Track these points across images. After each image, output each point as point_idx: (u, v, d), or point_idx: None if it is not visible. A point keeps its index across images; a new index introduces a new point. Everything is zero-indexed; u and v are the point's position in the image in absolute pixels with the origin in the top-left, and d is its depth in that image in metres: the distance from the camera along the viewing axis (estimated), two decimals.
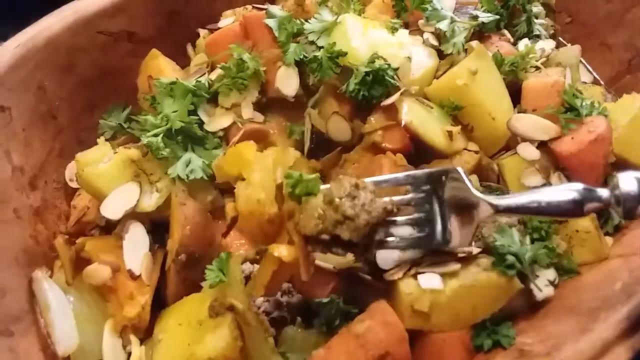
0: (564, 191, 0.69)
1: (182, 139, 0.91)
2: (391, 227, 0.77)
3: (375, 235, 0.75)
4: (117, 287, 0.81)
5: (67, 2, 0.97)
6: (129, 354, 0.81)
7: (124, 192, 0.85)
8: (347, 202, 0.71)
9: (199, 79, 0.95)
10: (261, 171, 0.83)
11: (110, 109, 1.04)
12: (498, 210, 0.73)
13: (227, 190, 0.93)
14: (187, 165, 0.88)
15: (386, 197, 0.75)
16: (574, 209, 0.68)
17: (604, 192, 0.67)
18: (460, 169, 0.76)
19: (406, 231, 0.78)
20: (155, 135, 0.87)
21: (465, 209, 0.75)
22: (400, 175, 0.80)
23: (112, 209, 0.84)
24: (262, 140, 0.93)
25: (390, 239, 0.77)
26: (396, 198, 0.77)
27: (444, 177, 0.77)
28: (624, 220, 0.95)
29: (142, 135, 0.88)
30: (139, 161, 0.87)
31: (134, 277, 0.82)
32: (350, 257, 0.77)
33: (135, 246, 0.84)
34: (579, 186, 0.68)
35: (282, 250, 0.75)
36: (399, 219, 0.77)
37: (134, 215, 0.86)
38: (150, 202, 0.86)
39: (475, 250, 0.84)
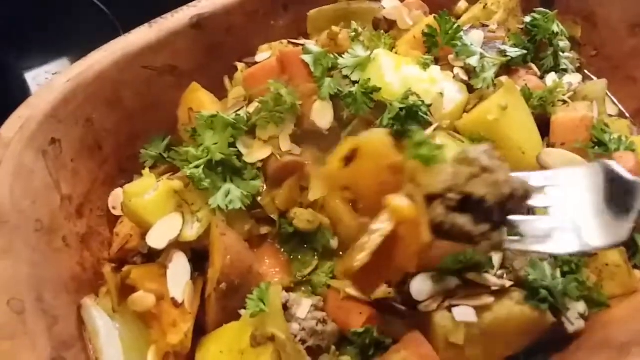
0: None
1: (222, 170, 0.94)
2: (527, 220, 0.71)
3: (510, 214, 0.68)
4: (160, 314, 0.83)
5: None
6: None
7: (168, 222, 0.88)
8: (485, 156, 0.67)
9: (238, 112, 0.98)
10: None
11: (151, 139, 1.08)
12: None
13: (263, 219, 0.96)
14: (226, 196, 0.91)
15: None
16: None
17: None
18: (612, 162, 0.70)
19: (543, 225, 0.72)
20: (197, 167, 0.91)
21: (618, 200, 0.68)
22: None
23: (157, 239, 0.87)
24: (298, 171, 0.96)
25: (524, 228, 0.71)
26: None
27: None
28: None
29: (185, 167, 0.91)
30: (181, 192, 0.90)
31: (177, 305, 0.84)
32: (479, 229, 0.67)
33: (178, 275, 0.87)
34: None
35: (402, 201, 0.66)
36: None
37: (176, 244, 0.89)
38: (192, 231, 0.89)
39: (508, 283, 0.86)
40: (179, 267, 0.88)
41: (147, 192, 0.89)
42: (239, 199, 0.92)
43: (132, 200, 0.88)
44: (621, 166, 0.70)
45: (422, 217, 0.67)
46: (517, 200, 0.68)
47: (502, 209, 0.67)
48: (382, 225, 0.67)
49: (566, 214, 0.72)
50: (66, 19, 1.60)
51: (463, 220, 0.67)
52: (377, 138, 0.73)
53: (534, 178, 0.74)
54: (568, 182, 0.73)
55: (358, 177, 0.73)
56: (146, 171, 0.94)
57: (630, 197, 0.67)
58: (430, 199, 0.68)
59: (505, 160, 0.69)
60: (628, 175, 0.69)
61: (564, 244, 0.71)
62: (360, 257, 0.66)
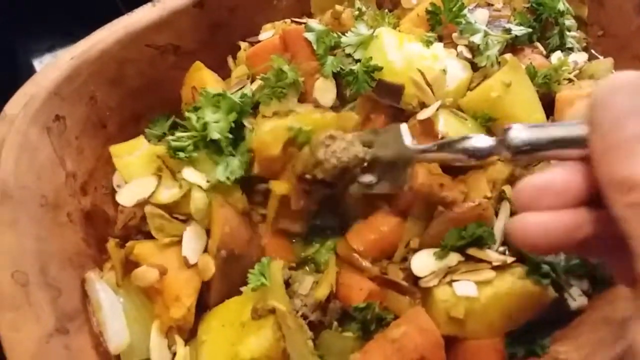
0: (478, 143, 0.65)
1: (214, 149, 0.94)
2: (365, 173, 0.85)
3: (348, 177, 0.84)
4: (163, 289, 0.84)
5: None
6: (174, 354, 0.85)
7: (141, 183, 0.90)
8: (321, 149, 0.83)
9: (244, 92, 0.98)
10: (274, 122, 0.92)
11: (155, 119, 1.09)
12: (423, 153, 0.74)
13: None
14: (226, 168, 0.91)
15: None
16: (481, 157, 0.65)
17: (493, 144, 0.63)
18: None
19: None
20: (179, 138, 0.91)
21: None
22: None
23: (126, 197, 0.89)
24: None
25: (361, 180, 0.85)
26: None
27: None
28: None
29: (174, 134, 0.92)
30: (164, 157, 0.91)
31: (188, 265, 0.86)
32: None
33: (194, 240, 0.89)
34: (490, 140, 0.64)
35: (278, 185, 0.90)
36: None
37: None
38: (166, 195, 0.90)
39: (509, 259, 0.86)
40: (196, 234, 0.89)
41: (132, 153, 0.92)
42: (238, 168, 0.92)
43: (115, 158, 0.91)
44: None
45: (292, 188, 0.89)
46: (353, 166, 0.83)
47: (339, 175, 0.84)
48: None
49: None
50: (72, 4, 1.61)
51: (316, 188, 0.87)
52: (258, 138, 0.91)
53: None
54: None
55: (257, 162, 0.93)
56: (140, 137, 0.97)
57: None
58: (298, 177, 0.87)
59: (348, 139, 0.84)
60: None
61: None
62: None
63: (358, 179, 0.85)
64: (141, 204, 0.90)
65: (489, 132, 0.97)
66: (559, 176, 0.50)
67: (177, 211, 0.92)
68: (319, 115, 0.93)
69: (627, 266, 0.45)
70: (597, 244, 0.49)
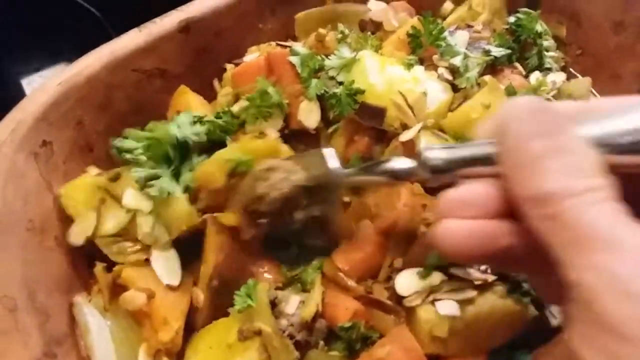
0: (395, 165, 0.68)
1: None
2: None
3: (292, 205, 0.83)
4: (151, 312, 0.85)
5: None
6: None
7: (84, 219, 0.90)
8: (261, 183, 0.83)
9: (231, 109, 1.00)
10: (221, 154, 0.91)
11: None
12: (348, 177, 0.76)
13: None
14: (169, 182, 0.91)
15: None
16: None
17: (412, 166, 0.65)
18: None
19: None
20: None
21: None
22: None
23: (75, 238, 0.91)
24: None
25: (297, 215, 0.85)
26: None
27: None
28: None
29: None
30: (106, 185, 0.92)
31: (173, 289, 0.88)
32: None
33: (166, 263, 0.90)
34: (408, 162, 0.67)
35: (227, 218, 0.89)
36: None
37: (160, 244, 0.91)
38: (113, 224, 0.90)
39: (490, 277, 0.87)
40: (166, 258, 0.90)
41: (80, 189, 0.92)
42: (165, 189, 0.89)
43: (65, 199, 0.92)
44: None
45: (240, 218, 0.87)
46: (293, 196, 0.83)
47: (284, 204, 0.83)
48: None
49: None
50: (60, 25, 1.62)
51: (264, 219, 0.85)
52: (203, 169, 0.91)
53: None
54: None
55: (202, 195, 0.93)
56: (92, 167, 0.97)
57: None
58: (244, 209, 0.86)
59: (286, 168, 0.83)
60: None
61: None
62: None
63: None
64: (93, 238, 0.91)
65: None
66: (477, 189, 0.52)
67: (129, 237, 0.92)
68: (259, 142, 0.95)
69: (551, 281, 0.47)
70: (519, 257, 0.51)
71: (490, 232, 0.50)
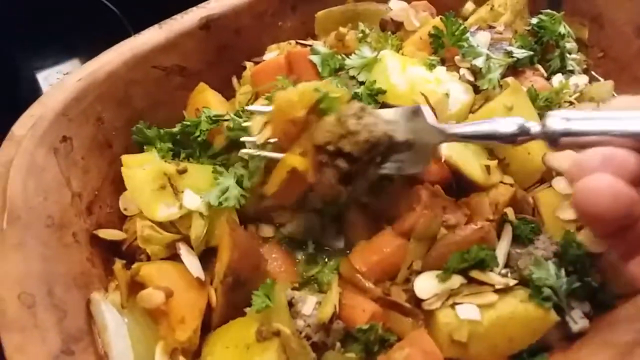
0: (506, 123, 0.73)
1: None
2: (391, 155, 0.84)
3: (376, 156, 0.82)
4: (169, 311, 0.84)
5: None
6: None
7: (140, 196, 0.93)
8: (352, 120, 0.79)
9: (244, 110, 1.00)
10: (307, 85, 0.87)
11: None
12: (448, 136, 0.79)
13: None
14: (223, 193, 0.93)
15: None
16: (510, 138, 0.72)
17: (535, 128, 0.70)
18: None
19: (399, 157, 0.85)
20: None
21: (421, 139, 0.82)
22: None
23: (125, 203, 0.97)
24: None
25: (387, 164, 0.84)
26: None
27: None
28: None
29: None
30: (171, 175, 0.93)
31: (201, 284, 0.89)
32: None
33: (191, 256, 0.91)
34: (519, 120, 0.72)
35: (295, 159, 0.83)
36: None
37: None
38: (165, 213, 0.92)
39: (511, 282, 0.86)
40: (190, 255, 0.91)
41: (142, 165, 0.94)
42: (234, 198, 0.92)
43: (124, 168, 0.94)
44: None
45: (309, 162, 0.82)
46: (383, 149, 0.81)
47: (368, 151, 0.80)
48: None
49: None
50: (76, 19, 1.63)
51: (338, 162, 0.81)
52: (284, 95, 0.85)
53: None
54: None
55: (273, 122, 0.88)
56: (151, 148, 1.00)
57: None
58: (318, 147, 0.81)
59: (376, 114, 0.82)
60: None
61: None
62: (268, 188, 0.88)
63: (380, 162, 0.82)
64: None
65: (491, 155, 0.98)
66: (618, 152, 0.50)
67: (171, 229, 0.93)
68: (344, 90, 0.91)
69: None
70: None
71: (635, 198, 0.47)
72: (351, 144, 0.79)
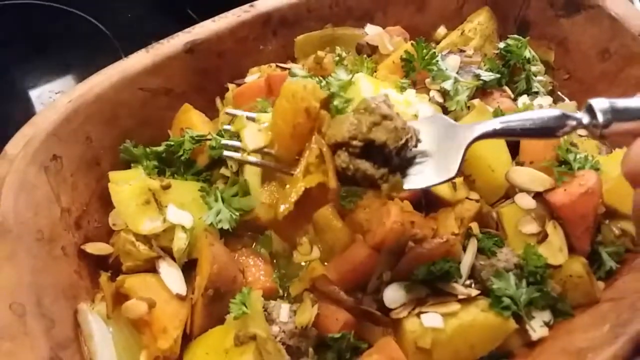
0: (543, 115, 0.73)
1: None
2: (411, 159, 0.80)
3: (405, 156, 0.76)
4: (152, 321, 0.90)
5: None
6: None
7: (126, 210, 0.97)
8: (385, 105, 0.76)
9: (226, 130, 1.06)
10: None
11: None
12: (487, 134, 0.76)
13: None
14: (217, 215, 0.99)
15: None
16: (550, 131, 0.72)
17: (577, 116, 0.72)
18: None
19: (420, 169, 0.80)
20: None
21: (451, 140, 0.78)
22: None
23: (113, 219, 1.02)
24: None
25: (410, 170, 0.79)
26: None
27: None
28: (614, 264, 1.02)
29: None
30: (156, 191, 0.98)
31: (182, 298, 0.93)
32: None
33: (172, 274, 0.96)
34: (557, 112, 0.73)
35: (307, 180, 0.78)
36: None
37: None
38: (149, 226, 0.97)
39: (474, 292, 0.92)
40: (170, 269, 0.96)
41: (129, 181, 0.99)
42: (227, 221, 0.98)
43: (112, 184, 0.98)
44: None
45: (328, 164, 0.76)
46: (409, 146, 0.77)
47: (398, 154, 0.76)
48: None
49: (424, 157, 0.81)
50: (68, 40, 1.69)
51: (365, 165, 0.76)
52: (298, 82, 0.82)
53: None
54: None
55: (276, 115, 0.84)
56: (137, 166, 1.05)
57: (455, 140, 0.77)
58: (336, 147, 0.77)
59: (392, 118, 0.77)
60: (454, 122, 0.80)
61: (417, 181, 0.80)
62: (285, 206, 0.80)
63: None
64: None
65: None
66: None
67: (154, 243, 0.98)
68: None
69: None
70: None
71: None
72: (387, 131, 0.74)
